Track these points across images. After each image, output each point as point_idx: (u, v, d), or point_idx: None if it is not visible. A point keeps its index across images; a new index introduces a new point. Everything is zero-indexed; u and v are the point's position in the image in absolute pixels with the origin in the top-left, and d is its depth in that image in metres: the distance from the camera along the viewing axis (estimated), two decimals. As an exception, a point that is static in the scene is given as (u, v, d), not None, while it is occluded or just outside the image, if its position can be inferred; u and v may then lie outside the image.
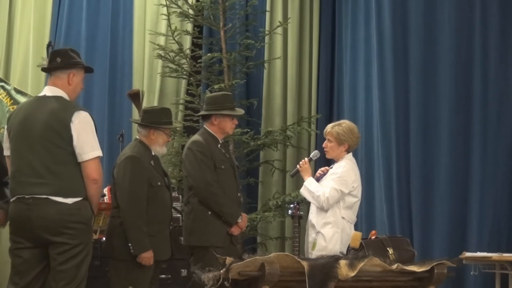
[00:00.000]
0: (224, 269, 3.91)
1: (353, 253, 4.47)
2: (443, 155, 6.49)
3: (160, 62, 7.68)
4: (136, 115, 6.15)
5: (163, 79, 7.77)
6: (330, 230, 5.11)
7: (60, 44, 7.49)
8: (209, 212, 5.11)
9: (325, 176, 5.30)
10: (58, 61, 4.42)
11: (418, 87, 6.67)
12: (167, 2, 7.36)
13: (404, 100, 6.74)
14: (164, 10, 7.43)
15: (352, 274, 4.02)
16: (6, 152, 4.49)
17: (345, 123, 5.33)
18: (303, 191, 5.27)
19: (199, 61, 7.54)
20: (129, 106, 7.25)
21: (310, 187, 5.20)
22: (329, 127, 5.32)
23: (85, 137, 4.31)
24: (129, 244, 4.72)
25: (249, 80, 7.86)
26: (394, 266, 4.20)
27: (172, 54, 7.45)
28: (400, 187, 6.63)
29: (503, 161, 6.31)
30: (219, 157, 5.21)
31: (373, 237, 4.70)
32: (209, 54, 7.47)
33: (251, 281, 3.96)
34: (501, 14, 6.40)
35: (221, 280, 3.90)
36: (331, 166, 5.37)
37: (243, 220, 5.21)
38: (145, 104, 5.41)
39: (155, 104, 7.52)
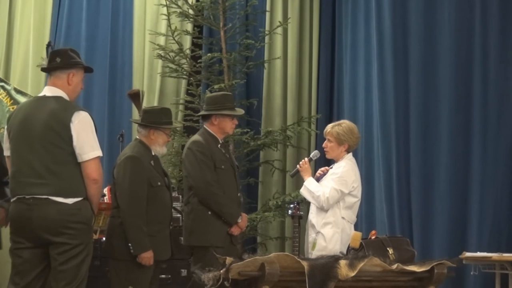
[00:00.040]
0: (224, 269, 3.91)
1: (353, 253, 4.47)
2: (443, 155, 6.49)
3: (160, 62, 7.68)
4: (136, 115, 6.15)
5: (163, 79, 7.77)
6: (330, 230, 5.11)
7: (60, 44, 7.49)
8: (209, 212, 5.11)
9: (325, 176, 5.30)
10: (57, 61, 4.42)
11: (418, 87, 6.67)
12: (167, 2, 7.35)
13: (404, 100, 6.74)
14: (164, 10, 7.43)
15: (352, 274, 4.02)
16: (6, 153, 4.50)
17: (345, 123, 5.33)
18: (303, 191, 5.28)
19: (199, 61, 7.54)
20: (129, 106, 7.25)
21: (310, 187, 5.20)
22: (329, 127, 5.32)
23: (85, 137, 4.31)
24: (129, 244, 4.72)
25: (249, 80, 7.86)
26: (394, 266, 4.20)
27: (172, 54, 7.44)
28: (400, 187, 6.63)
29: (503, 161, 6.31)
30: (219, 157, 5.21)
31: (373, 237, 4.70)
32: (209, 54, 7.47)
33: (251, 281, 3.96)
34: (501, 14, 6.40)
35: (221, 280, 3.90)
36: (331, 166, 5.37)
37: (243, 220, 5.21)
38: (145, 104, 5.41)
39: (155, 104, 7.51)
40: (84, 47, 7.73)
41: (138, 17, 7.87)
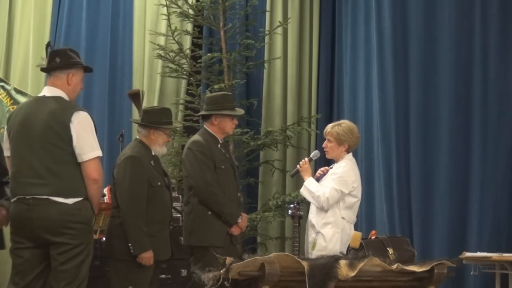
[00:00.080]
0: (224, 269, 3.91)
1: (353, 253, 4.47)
2: (443, 155, 6.49)
3: (160, 62, 7.68)
4: (136, 115, 6.15)
5: (163, 79, 7.77)
6: (330, 230, 5.11)
7: (60, 44, 7.49)
8: (209, 212, 5.11)
9: (325, 176, 5.30)
10: (57, 61, 4.41)
11: (418, 87, 6.67)
12: (167, 2, 7.35)
13: (404, 100, 6.74)
14: (164, 10, 7.43)
15: (352, 274, 4.02)
16: (6, 153, 4.50)
17: (345, 123, 5.33)
18: (303, 191, 5.28)
19: (199, 61, 7.54)
20: (129, 106, 7.25)
21: (310, 187, 5.20)
22: (329, 127, 5.32)
23: (85, 137, 4.31)
24: (129, 244, 4.72)
25: (249, 80, 7.86)
26: (394, 266, 4.20)
27: (172, 54, 7.44)
28: (400, 187, 6.63)
29: (503, 161, 6.31)
30: (219, 157, 5.21)
31: (373, 237, 4.70)
32: (209, 54, 7.47)
33: (251, 281, 3.96)
34: (501, 14, 6.40)
35: (221, 280, 3.90)
36: (331, 166, 5.37)
37: (243, 220, 5.21)
38: (145, 104, 5.41)
39: (155, 104, 7.52)
40: (84, 47, 7.73)
41: (138, 17, 7.87)
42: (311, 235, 5.19)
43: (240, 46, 7.56)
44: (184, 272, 6.06)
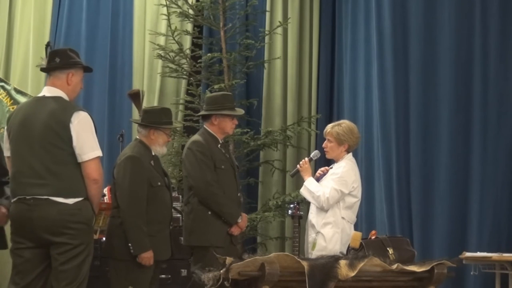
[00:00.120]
0: (224, 269, 3.91)
1: (353, 253, 4.47)
2: (443, 155, 6.49)
3: (160, 62, 7.68)
4: (136, 115, 6.16)
5: (163, 79, 7.77)
6: (330, 230, 5.11)
7: (60, 44, 7.49)
8: (209, 212, 5.11)
9: (325, 176, 5.30)
10: (57, 61, 4.41)
11: (418, 87, 6.67)
12: (167, 2, 7.35)
13: (404, 100, 6.74)
14: (164, 10, 7.43)
15: (352, 274, 4.02)
16: (6, 153, 4.50)
17: (345, 123, 5.33)
18: (303, 191, 5.28)
19: (199, 61, 7.54)
20: (129, 106, 7.25)
21: (310, 187, 5.20)
22: (329, 127, 5.32)
23: (85, 137, 4.31)
24: (129, 244, 4.72)
25: (249, 80, 7.86)
26: (394, 266, 4.20)
27: (172, 54, 7.44)
28: (400, 187, 6.63)
29: (503, 161, 6.31)
30: (219, 157, 5.21)
31: (373, 237, 4.70)
32: (209, 54, 7.47)
33: (251, 281, 3.96)
34: (501, 14, 6.40)
35: (221, 280, 3.90)
36: (331, 166, 5.37)
37: (243, 220, 5.21)
38: (145, 104, 5.41)
39: (155, 104, 7.52)
40: (84, 47, 7.74)
41: (138, 17, 7.87)
42: (311, 235, 5.19)
43: (240, 46, 7.56)
44: (184, 272, 6.06)
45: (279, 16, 7.89)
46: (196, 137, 5.31)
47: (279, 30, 7.70)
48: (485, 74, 6.40)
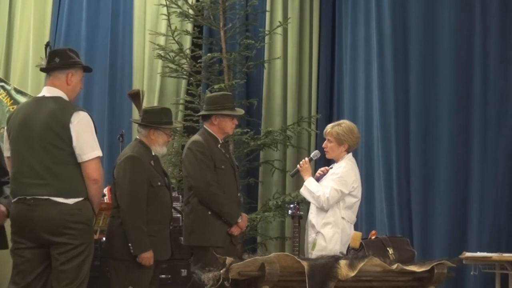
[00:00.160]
0: (224, 269, 3.91)
1: (353, 253, 4.47)
2: (443, 155, 6.49)
3: (160, 62, 7.68)
4: (136, 115, 6.15)
5: (163, 79, 7.77)
6: (330, 230, 5.11)
7: (60, 44, 7.50)
8: (209, 212, 5.11)
9: (325, 176, 5.30)
10: (56, 61, 4.41)
11: (418, 87, 6.67)
12: (167, 2, 7.35)
13: (404, 100, 6.74)
14: (164, 10, 7.43)
15: (352, 274, 4.02)
16: (6, 153, 4.50)
17: (345, 123, 5.33)
18: (303, 191, 5.28)
19: (199, 61, 7.54)
20: (129, 106, 7.25)
21: (310, 187, 5.20)
22: (329, 127, 5.32)
23: (85, 137, 4.31)
24: (129, 244, 4.72)
25: (249, 80, 7.86)
26: (394, 266, 4.20)
27: (172, 54, 7.44)
28: (400, 187, 6.63)
29: (503, 161, 6.31)
30: (219, 157, 5.21)
31: (373, 237, 4.70)
32: (209, 54, 7.47)
33: (251, 281, 3.96)
34: (501, 14, 6.40)
35: (221, 280, 3.90)
36: (331, 166, 5.37)
37: (243, 220, 5.21)
38: (145, 104, 5.41)
39: (155, 104, 7.52)
40: (84, 47, 7.74)
41: (138, 17, 7.87)
42: (311, 235, 5.19)
43: (240, 46, 7.56)
44: (184, 272, 6.06)
45: (279, 16, 7.89)
46: (196, 137, 5.31)
47: (279, 30, 7.70)
48: (485, 74, 6.40)
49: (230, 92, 6.69)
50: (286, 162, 7.74)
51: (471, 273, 6.05)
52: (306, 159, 5.42)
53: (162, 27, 7.77)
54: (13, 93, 7.34)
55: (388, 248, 4.55)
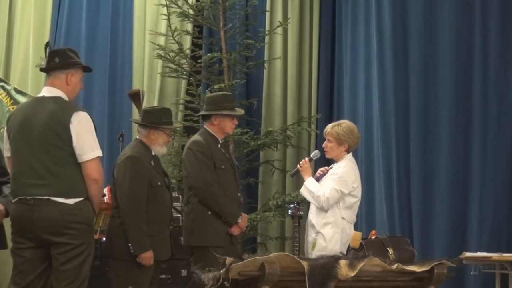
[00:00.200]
0: (224, 269, 3.91)
1: (353, 253, 4.47)
2: (443, 155, 6.49)
3: (160, 62, 7.68)
4: (136, 115, 6.15)
5: (163, 79, 7.77)
6: (330, 230, 5.11)
7: (60, 44, 7.50)
8: (209, 212, 5.11)
9: (325, 176, 5.30)
10: (56, 61, 4.41)
11: (418, 87, 6.67)
12: (167, 2, 7.35)
13: (404, 100, 6.74)
14: (164, 10, 7.43)
15: (352, 274, 4.02)
16: (7, 154, 4.50)
17: (345, 123, 5.33)
18: (303, 191, 5.28)
19: (199, 61, 7.54)
20: (129, 106, 7.25)
21: (310, 187, 5.20)
22: (329, 127, 5.32)
23: (85, 137, 4.31)
24: (129, 244, 4.72)
25: (249, 80, 7.86)
26: (394, 266, 4.20)
27: (172, 54, 7.44)
28: (400, 187, 6.63)
29: (503, 161, 6.31)
30: (219, 157, 5.21)
31: (373, 237, 4.70)
32: (209, 54, 7.47)
33: (251, 281, 3.96)
34: (501, 14, 6.40)
35: (221, 280, 3.90)
36: (331, 166, 5.37)
37: (243, 220, 5.21)
38: (145, 104, 5.41)
39: (155, 104, 7.52)
40: (84, 47, 7.74)
41: (138, 17, 7.87)
42: (311, 235, 5.19)
43: (240, 46, 7.56)
44: (184, 272, 6.06)
45: (279, 16, 7.89)
46: (196, 137, 5.31)
47: (279, 30, 7.70)
48: (485, 74, 6.40)
49: (230, 92, 6.69)
50: (286, 162, 7.74)
51: (471, 273, 6.05)
52: (306, 159, 5.42)
53: (162, 27, 7.77)
54: (13, 93, 7.34)
55: (388, 248, 4.55)
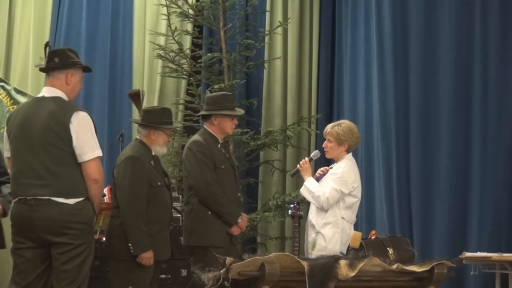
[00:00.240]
0: (224, 269, 3.91)
1: (353, 253, 4.47)
2: (443, 155, 6.49)
3: (160, 62, 7.68)
4: (136, 115, 6.16)
5: (163, 79, 7.77)
6: (330, 230, 5.11)
7: (60, 44, 7.50)
8: (209, 212, 5.11)
9: (325, 176, 5.30)
10: (55, 61, 4.41)
11: (418, 87, 6.67)
12: (167, 2, 7.35)
13: (404, 100, 6.74)
14: (164, 10, 7.43)
15: (352, 274, 4.01)
16: (7, 154, 4.50)
17: (345, 123, 5.33)
18: (303, 191, 5.28)
19: (199, 61, 7.55)
20: (129, 106, 7.25)
21: (310, 187, 5.20)
22: (329, 127, 5.32)
23: (85, 137, 4.31)
24: (129, 244, 4.72)
25: (249, 80, 7.86)
26: (394, 266, 4.20)
27: (172, 54, 7.44)
28: (400, 187, 6.63)
29: (503, 161, 6.31)
30: (219, 157, 5.21)
31: (373, 237, 4.70)
32: (209, 54, 7.47)
33: (251, 281, 3.96)
34: (501, 14, 6.40)
35: (221, 280, 3.90)
36: (331, 166, 5.37)
37: (243, 220, 5.21)
38: (145, 104, 5.41)
39: (155, 104, 7.52)
40: (84, 47, 7.74)
41: (138, 17, 7.87)
42: (311, 235, 5.19)
43: (240, 46, 7.56)
44: (184, 272, 6.06)
45: (279, 16, 7.89)
46: (196, 137, 5.31)
47: (279, 30, 7.70)
48: (485, 74, 6.40)
49: (230, 92, 6.69)
50: (286, 162, 7.74)
51: (471, 273, 6.06)
52: (306, 159, 5.42)
53: (162, 27, 7.77)
54: (13, 93, 7.34)
55: (388, 248, 4.55)
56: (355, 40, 7.43)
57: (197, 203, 5.12)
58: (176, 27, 7.46)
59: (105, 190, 5.92)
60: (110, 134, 7.52)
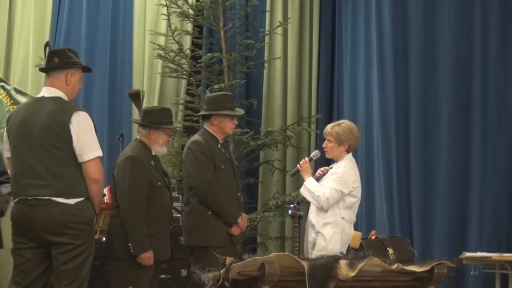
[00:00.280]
0: (224, 269, 3.91)
1: (353, 253, 4.47)
2: (443, 155, 6.49)
3: (160, 62, 7.68)
4: (136, 115, 6.16)
5: (163, 79, 7.78)
6: (330, 230, 5.11)
7: (60, 44, 7.50)
8: (209, 212, 5.11)
9: (325, 176, 5.30)
10: (55, 61, 4.41)
11: (418, 87, 6.67)
12: (167, 2, 7.36)
13: (404, 100, 6.74)
14: (164, 10, 7.43)
15: (352, 274, 4.01)
16: (7, 154, 4.50)
17: (345, 123, 5.33)
18: (303, 191, 5.28)
19: (199, 61, 7.55)
20: (129, 106, 7.25)
21: (310, 187, 5.20)
22: (329, 127, 5.32)
23: (85, 137, 4.31)
24: (129, 244, 4.72)
25: (249, 80, 7.87)
26: (394, 266, 4.20)
27: (172, 54, 7.45)
28: (400, 187, 6.63)
29: (503, 161, 6.31)
30: (219, 157, 5.21)
31: (373, 237, 4.70)
32: (209, 54, 7.47)
33: (251, 281, 3.96)
34: (501, 14, 6.40)
35: (221, 280, 3.90)
36: (331, 166, 5.37)
37: (243, 220, 5.21)
38: (145, 104, 5.41)
39: (155, 104, 7.52)
40: (84, 47, 7.74)
41: (138, 17, 7.87)
42: (311, 235, 5.19)
43: (240, 46, 7.56)
44: (184, 272, 6.06)
45: (279, 16, 7.89)
46: (196, 137, 5.31)
47: (279, 30, 7.70)
48: (485, 74, 6.40)
49: (230, 92, 6.69)
50: (286, 162, 7.74)
51: (471, 273, 6.05)
52: (306, 159, 5.42)
53: (162, 27, 7.77)
54: (13, 93, 7.34)
55: (388, 248, 4.55)
56: (355, 40, 7.43)
57: (197, 203, 5.13)
58: (176, 27, 7.46)
59: (105, 190, 5.92)
60: (110, 134, 7.52)
